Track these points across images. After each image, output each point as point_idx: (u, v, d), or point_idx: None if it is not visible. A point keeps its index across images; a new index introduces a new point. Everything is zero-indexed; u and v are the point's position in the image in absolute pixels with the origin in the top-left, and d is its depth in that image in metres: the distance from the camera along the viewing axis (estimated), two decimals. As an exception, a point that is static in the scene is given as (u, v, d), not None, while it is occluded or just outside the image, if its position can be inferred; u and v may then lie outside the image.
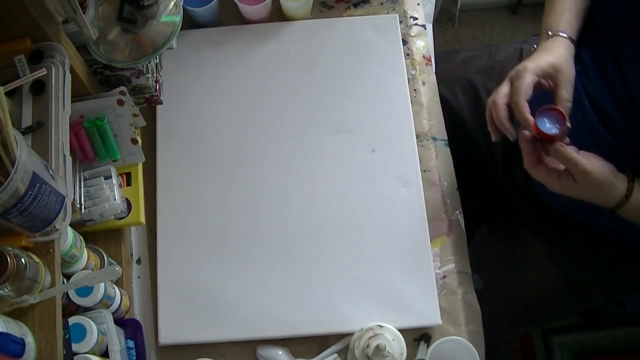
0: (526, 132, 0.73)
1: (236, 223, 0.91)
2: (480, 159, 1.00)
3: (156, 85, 0.88)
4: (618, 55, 0.76)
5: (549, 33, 0.79)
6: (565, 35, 0.78)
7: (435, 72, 1.03)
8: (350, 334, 0.83)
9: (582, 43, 0.82)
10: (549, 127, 0.70)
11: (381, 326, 0.80)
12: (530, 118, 0.71)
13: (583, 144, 0.73)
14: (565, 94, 0.73)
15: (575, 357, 1.52)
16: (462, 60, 1.05)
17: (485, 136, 0.97)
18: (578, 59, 0.80)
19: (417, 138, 0.96)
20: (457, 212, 0.93)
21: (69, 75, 0.69)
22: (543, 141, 0.72)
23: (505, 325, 0.99)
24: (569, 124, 0.70)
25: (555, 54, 0.76)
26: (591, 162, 0.70)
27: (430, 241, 0.89)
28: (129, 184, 0.87)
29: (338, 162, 0.94)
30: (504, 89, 0.75)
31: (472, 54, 1.06)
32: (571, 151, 0.70)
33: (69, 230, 0.71)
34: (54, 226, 0.62)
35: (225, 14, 1.05)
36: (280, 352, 0.84)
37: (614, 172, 0.72)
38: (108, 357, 0.74)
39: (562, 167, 0.72)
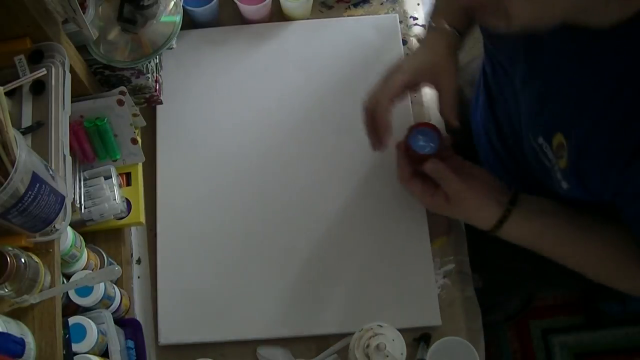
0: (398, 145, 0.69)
1: (236, 223, 0.91)
2: None
3: (156, 85, 0.88)
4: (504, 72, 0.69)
5: (432, 25, 0.72)
6: (448, 27, 0.71)
7: None
8: (350, 334, 0.83)
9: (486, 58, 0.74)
10: (422, 145, 0.66)
11: (381, 326, 0.80)
12: (389, 122, 0.66)
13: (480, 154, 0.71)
14: (447, 85, 0.68)
15: (575, 357, 1.52)
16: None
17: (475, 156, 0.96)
18: (483, 72, 0.73)
19: (417, 138, 0.96)
20: (457, 212, 0.93)
21: (69, 75, 0.69)
22: (416, 159, 0.67)
23: (501, 288, 0.98)
24: (447, 142, 0.66)
25: (434, 50, 0.70)
26: (467, 181, 0.65)
27: (430, 241, 0.89)
28: (129, 184, 0.87)
29: (338, 162, 0.94)
30: (374, 89, 0.70)
31: (464, 62, 1.04)
32: (444, 168, 0.65)
33: (69, 230, 0.71)
34: (54, 226, 0.62)
35: (225, 14, 1.05)
36: (280, 352, 0.84)
37: (493, 193, 0.66)
38: (108, 357, 0.74)
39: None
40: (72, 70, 0.70)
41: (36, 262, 0.60)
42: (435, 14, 0.71)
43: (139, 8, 0.75)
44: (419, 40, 0.72)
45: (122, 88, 0.79)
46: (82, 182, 0.81)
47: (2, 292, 0.57)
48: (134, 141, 0.84)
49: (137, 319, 0.86)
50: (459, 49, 0.69)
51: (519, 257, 0.91)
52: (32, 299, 0.60)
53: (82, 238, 0.76)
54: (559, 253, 0.70)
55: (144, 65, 0.82)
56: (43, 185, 0.57)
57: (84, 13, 0.68)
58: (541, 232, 0.68)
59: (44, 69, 0.65)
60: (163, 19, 0.78)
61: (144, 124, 0.89)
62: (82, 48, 0.76)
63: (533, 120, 0.62)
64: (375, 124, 0.68)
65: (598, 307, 1.53)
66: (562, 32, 0.51)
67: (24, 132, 0.64)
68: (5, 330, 0.56)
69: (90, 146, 0.82)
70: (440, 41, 0.70)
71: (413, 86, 0.67)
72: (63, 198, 0.62)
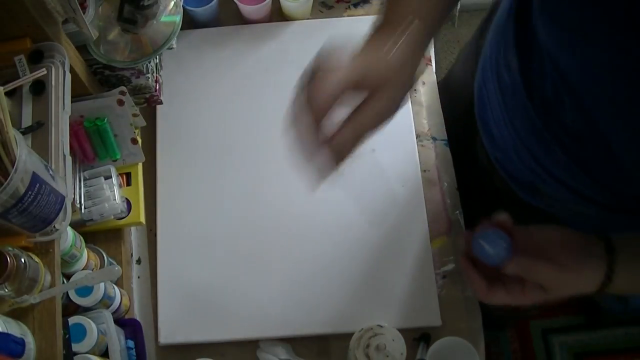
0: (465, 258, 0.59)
1: (236, 223, 0.91)
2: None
3: (156, 85, 0.88)
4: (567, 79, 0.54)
5: (390, 18, 0.53)
6: (414, 21, 0.53)
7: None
8: (350, 334, 0.83)
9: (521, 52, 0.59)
10: (492, 253, 0.56)
11: (381, 326, 0.80)
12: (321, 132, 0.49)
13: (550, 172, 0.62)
14: (383, 105, 0.53)
15: (575, 357, 1.52)
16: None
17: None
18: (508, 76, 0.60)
19: (417, 138, 0.96)
20: (457, 212, 0.93)
21: (69, 75, 0.69)
22: (491, 268, 0.58)
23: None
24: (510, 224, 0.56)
25: (387, 51, 0.51)
26: (554, 259, 0.54)
27: (430, 241, 0.89)
28: (129, 184, 0.87)
29: (338, 162, 0.94)
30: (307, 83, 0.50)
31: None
32: (530, 263, 0.55)
33: (69, 230, 0.71)
34: (54, 226, 0.62)
35: (225, 14, 1.05)
36: (280, 347, 0.84)
37: (584, 251, 0.55)
38: (108, 357, 0.74)
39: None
40: (72, 70, 0.70)
41: (36, 262, 0.60)
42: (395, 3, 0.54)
43: (139, 8, 0.75)
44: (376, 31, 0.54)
45: (122, 88, 0.79)
46: (82, 182, 0.81)
47: (2, 292, 0.57)
48: (134, 141, 0.84)
49: (137, 319, 0.86)
50: (422, 51, 0.54)
51: None
52: (32, 299, 0.60)
53: (82, 238, 0.76)
54: None
55: (144, 65, 0.82)
56: (43, 185, 0.57)
57: (84, 13, 0.68)
58: None
59: (44, 69, 0.65)
60: (163, 19, 0.78)
61: (144, 124, 0.89)
62: (82, 48, 0.76)
63: None
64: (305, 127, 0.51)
65: (599, 305, 1.53)
66: None
67: (24, 132, 0.64)
68: (5, 330, 0.56)
69: (90, 146, 0.82)
70: (408, 40, 0.53)
71: (351, 89, 0.50)
72: (63, 198, 0.62)
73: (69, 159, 0.66)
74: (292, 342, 0.85)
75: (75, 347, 0.70)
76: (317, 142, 0.53)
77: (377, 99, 0.52)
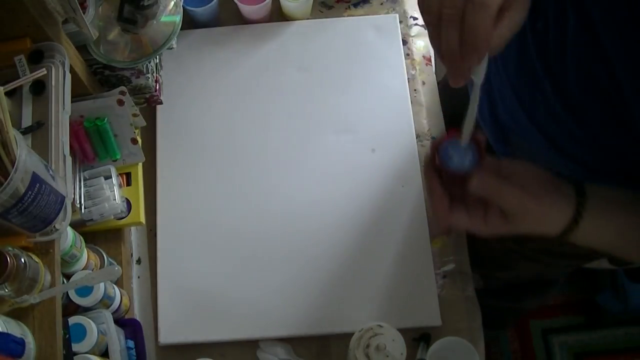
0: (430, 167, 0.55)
1: (236, 223, 0.91)
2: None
3: (156, 85, 0.88)
4: (590, 22, 0.53)
5: None
6: None
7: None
8: (350, 334, 0.83)
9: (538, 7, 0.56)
10: (458, 161, 0.53)
11: (381, 326, 0.80)
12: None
13: (544, 130, 0.59)
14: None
15: (575, 357, 1.53)
16: None
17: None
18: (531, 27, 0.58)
19: (417, 138, 0.96)
20: (457, 212, 0.93)
21: (69, 75, 0.69)
22: (454, 180, 0.54)
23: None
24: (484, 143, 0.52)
25: None
26: (522, 187, 0.52)
27: (430, 241, 0.89)
28: (129, 184, 0.87)
29: (338, 162, 0.94)
30: None
31: None
32: (496, 182, 0.52)
33: (69, 230, 0.71)
34: (54, 226, 0.62)
35: (225, 14, 1.05)
36: (280, 346, 0.84)
37: (553, 187, 0.53)
38: (108, 357, 0.74)
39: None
40: (72, 70, 0.70)
41: (36, 262, 0.60)
42: None
43: (139, 8, 0.75)
44: None
45: (122, 88, 0.79)
46: (82, 182, 0.81)
47: (2, 292, 0.57)
48: (134, 141, 0.84)
49: (137, 319, 0.86)
50: None
51: (518, 256, 0.92)
52: (32, 299, 0.60)
53: (82, 238, 0.76)
54: None
55: (144, 65, 0.82)
56: (43, 185, 0.57)
57: (84, 13, 0.68)
58: (626, 223, 0.54)
59: (44, 69, 0.65)
60: (163, 19, 0.78)
61: (144, 124, 0.89)
62: (82, 48, 0.76)
63: None
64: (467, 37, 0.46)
65: (599, 305, 1.53)
66: None
67: (24, 132, 0.64)
68: (5, 330, 0.56)
69: (90, 146, 0.82)
70: None
71: None
72: (63, 198, 0.62)
73: (69, 159, 0.66)
74: (292, 342, 0.85)
75: (75, 347, 0.70)
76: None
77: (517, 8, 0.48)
